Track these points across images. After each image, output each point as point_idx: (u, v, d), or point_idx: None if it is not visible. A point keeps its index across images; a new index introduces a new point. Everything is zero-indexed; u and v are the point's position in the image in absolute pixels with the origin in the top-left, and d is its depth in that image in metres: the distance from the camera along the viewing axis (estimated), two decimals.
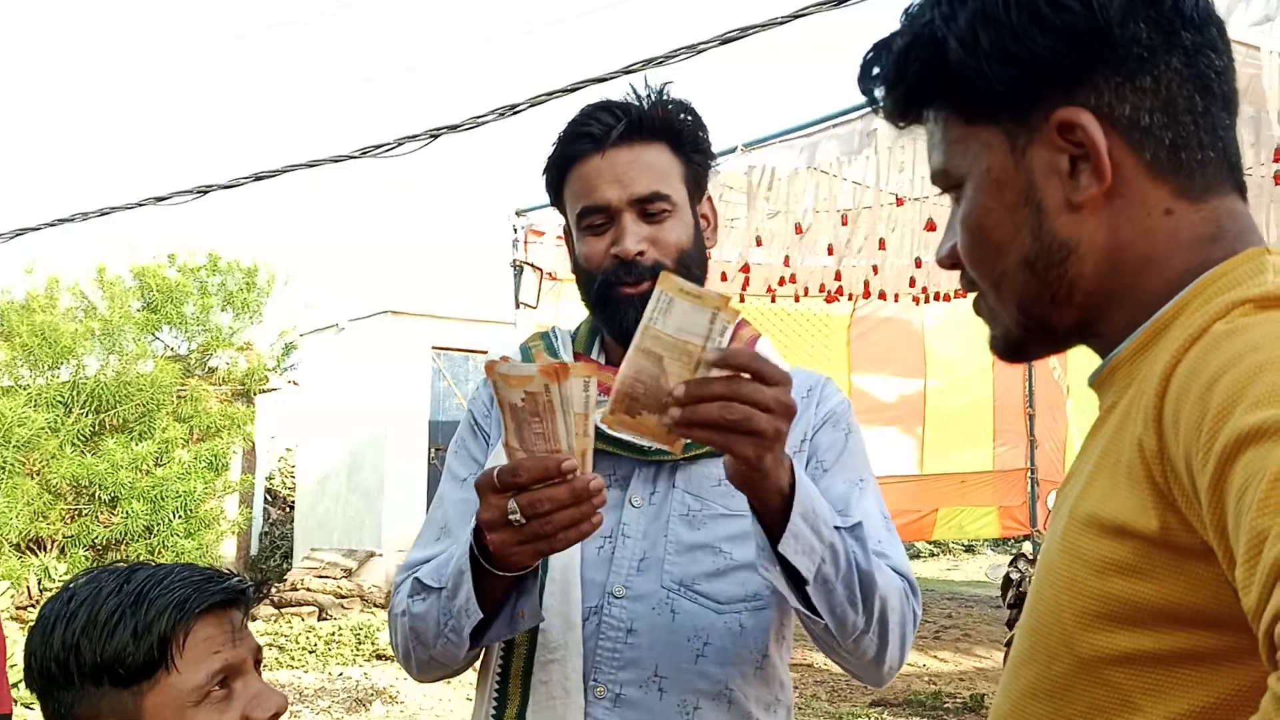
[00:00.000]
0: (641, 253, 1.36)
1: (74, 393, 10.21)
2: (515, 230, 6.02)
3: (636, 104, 1.39)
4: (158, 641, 1.08)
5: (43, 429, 9.73)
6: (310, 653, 8.78)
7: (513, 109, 4.92)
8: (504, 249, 6.11)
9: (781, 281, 6.47)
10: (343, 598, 10.86)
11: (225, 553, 12.11)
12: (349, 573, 11.29)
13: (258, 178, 5.97)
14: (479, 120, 5.04)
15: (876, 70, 0.85)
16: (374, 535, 11.86)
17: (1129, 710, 0.70)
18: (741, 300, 6.51)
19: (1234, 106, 0.80)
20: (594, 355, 1.49)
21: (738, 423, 1.08)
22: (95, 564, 9.19)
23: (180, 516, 10.26)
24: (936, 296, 6.74)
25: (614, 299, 1.38)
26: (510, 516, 1.11)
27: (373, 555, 11.62)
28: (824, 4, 4.05)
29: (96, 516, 10.14)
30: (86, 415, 10.23)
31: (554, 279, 6.01)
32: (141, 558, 8.98)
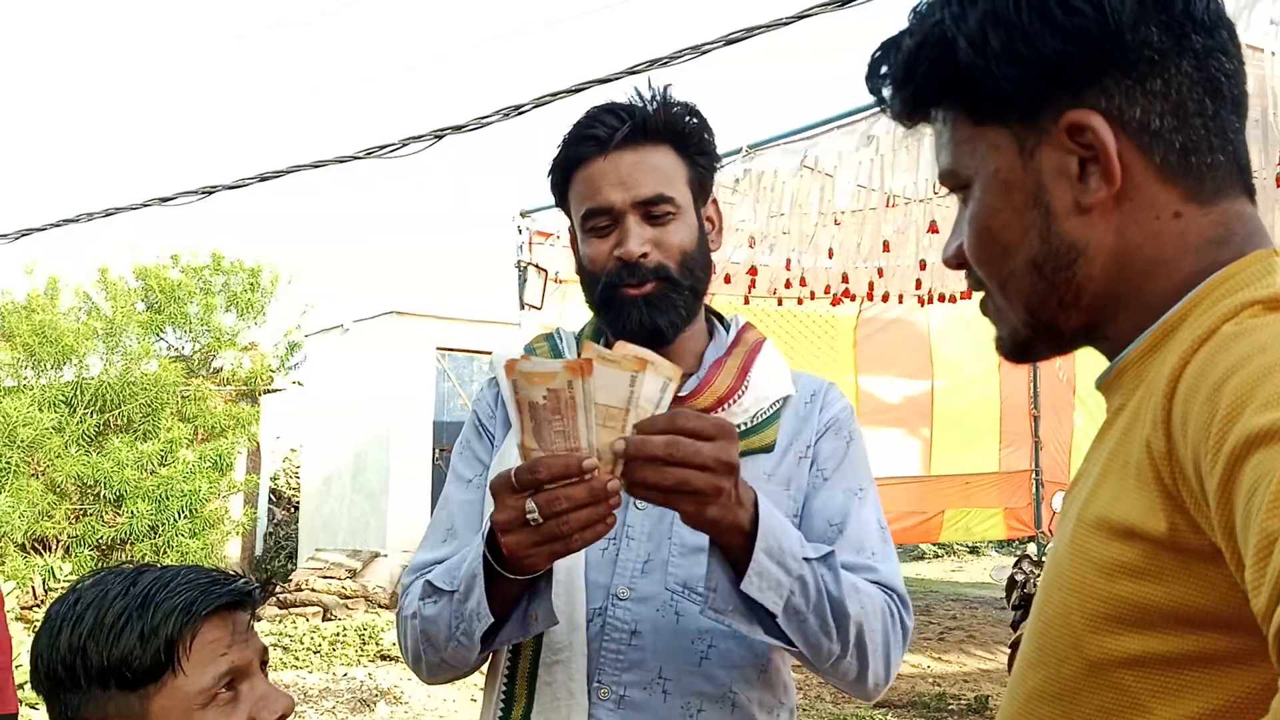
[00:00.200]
0: (645, 255, 1.36)
1: (78, 392, 10.23)
2: (520, 231, 6.02)
3: (641, 106, 1.39)
4: (164, 644, 1.08)
5: (47, 429, 9.75)
6: (315, 653, 8.79)
7: (517, 109, 4.93)
8: (509, 250, 6.11)
9: (789, 284, 6.47)
10: (347, 598, 10.86)
11: (230, 553, 12.14)
12: (353, 573, 11.30)
13: (262, 178, 5.98)
14: (483, 121, 5.05)
15: (885, 69, 0.85)
16: (379, 536, 11.87)
17: (1138, 713, 0.70)
18: (746, 302, 6.51)
19: (1244, 110, 0.80)
20: None
21: (673, 486, 1.10)
22: (100, 564, 9.21)
23: (185, 516, 10.28)
24: (942, 298, 6.73)
25: (618, 301, 1.38)
26: (528, 516, 1.11)
27: (377, 556, 11.63)
28: (829, 5, 4.05)
29: (101, 516, 10.16)
30: (91, 415, 10.26)
31: (559, 281, 6.01)
32: (146, 558, 9.02)
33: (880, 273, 6.25)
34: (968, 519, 8.93)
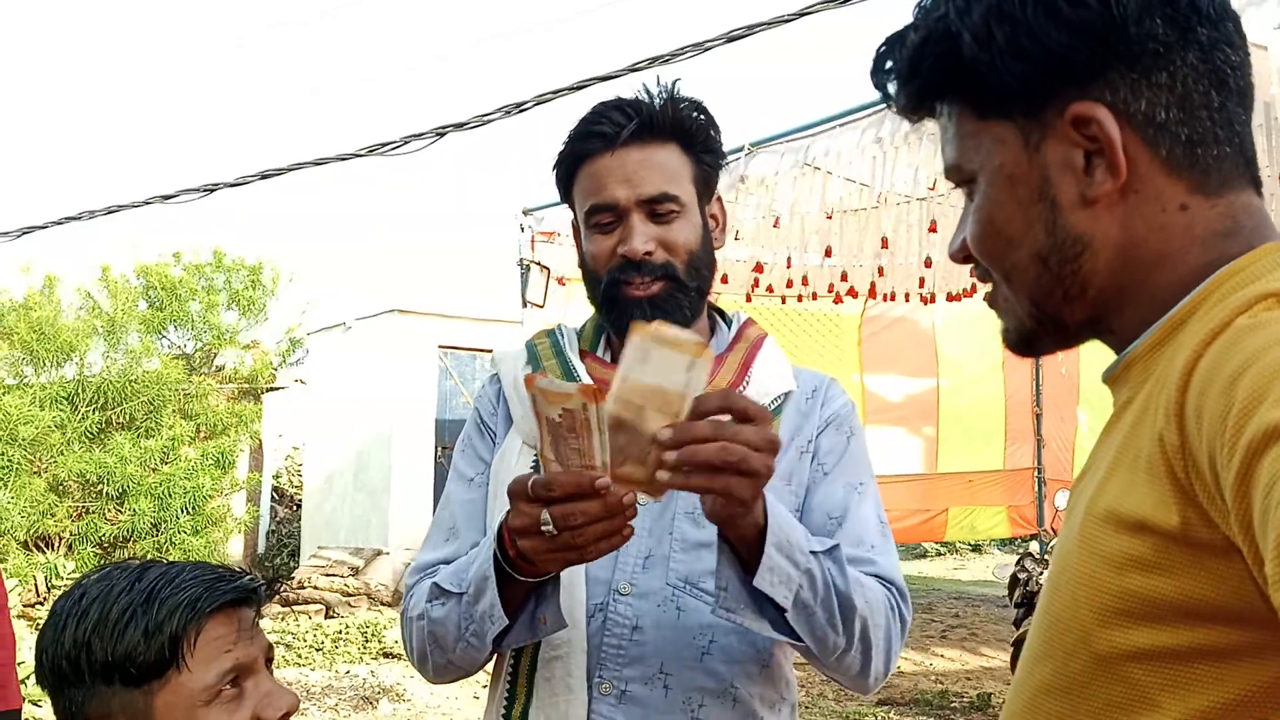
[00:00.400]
0: (650, 253, 1.36)
1: (80, 390, 10.24)
2: (522, 229, 6.02)
3: (648, 103, 1.39)
4: (169, 641, 1.08)
5: (49, 426, 9.76)
6: (317, 651, 8.80)
7: (519, 107, 4.92)
8: (511, 248, 6.11)
9: (790, 284, 6.46)
10: (349, 596, 10.87)
11: (232, 551, 12.14)
12: (356, 571, 11.31)
13: (264, 176, 5.97)
14: (485, 119, 5.04)
15: (889, 64, 0.85)
16: (380, 534, 11.88)
17: (1147, 706, 0.69)
18: (748, 300, 6.51)
19: (1250, 102, 0.80)
20: (599, 353, 1.49)
21: (735, 464, 1.08)
22: (103, 561, 9.20)
23: (187, 514, 10.29)
24: (950, 297, 6.72)
25: (620, 299, 1.38)
26: (542, 528, 1.11)
27: (379, 554, 11.63)
28: (830, 2, 4.04)
29: (104, 514, 10.17)
30: (93, 412, 10.26)
31: (563, 283, 6.00)
32: (149, 555, 9.02)
33: (880, 271, 6.24)
34: (973, 517, 8.93)
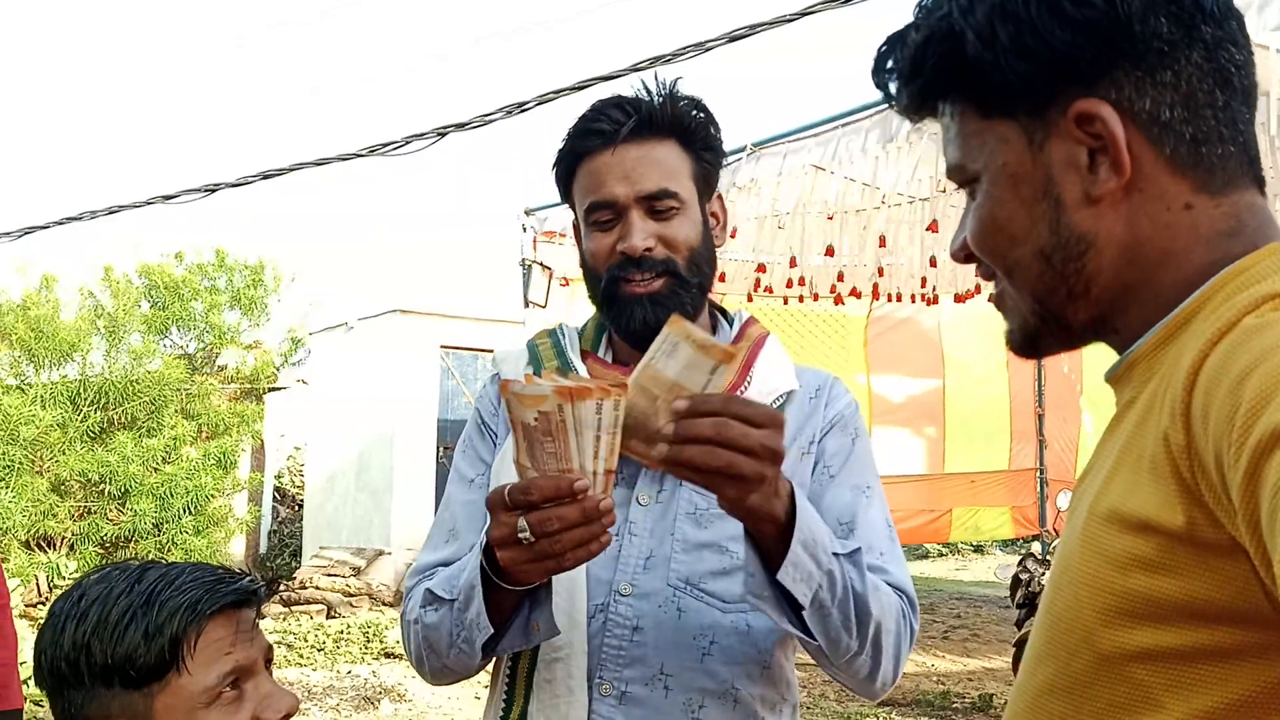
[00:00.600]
0: (650, 249, 1.36)
1: (82, 390, 10.24)
2: (525, 229, 6.02)
3: (648, 100, 1.38)
4: (169, 643, 1.08)
5: (51, 426, 9.76)
6: (319, 651, 8.80)
7: (520, 107, 4.92)
8: (513, 248, 6.11)
9: (790, 284, 6.46)
10: (351, 596, 10.87)
11: (234, 551, 12.14)
12: (357, 571, 11.31)
13: (265, 176, 5.97)
14: (487, 118, 5.04)
15: (891, 63, 0.85)
16: (382, 534, 11.88)
17: (1151, 707, 0.69)
18: (750, 300, 6.51)
19: (1254, 101, 0.79)
20: (601, 353, 1.48)
21: (720, 468, 1.08)
22: (105, 561, 9.20)
23: (189, 514, 10.29)
24: (955, 298, 6.72)
25: (621, 296, 1.38)
26: (519, 535, 1.10)
27: (381, 554, 11.64)
28: (832, 1, 4.04)
29: (105, 514, 10.17)
30: (95, 412, 10.27)
31: (565, 284, 6.00)
32: (151, 555, 9.03)
33: (881, 271, 6.24)
34: (977, 518, 8.93)
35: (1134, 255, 0.77)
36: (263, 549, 13.70)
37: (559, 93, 4.72)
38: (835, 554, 1.23)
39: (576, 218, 1.46)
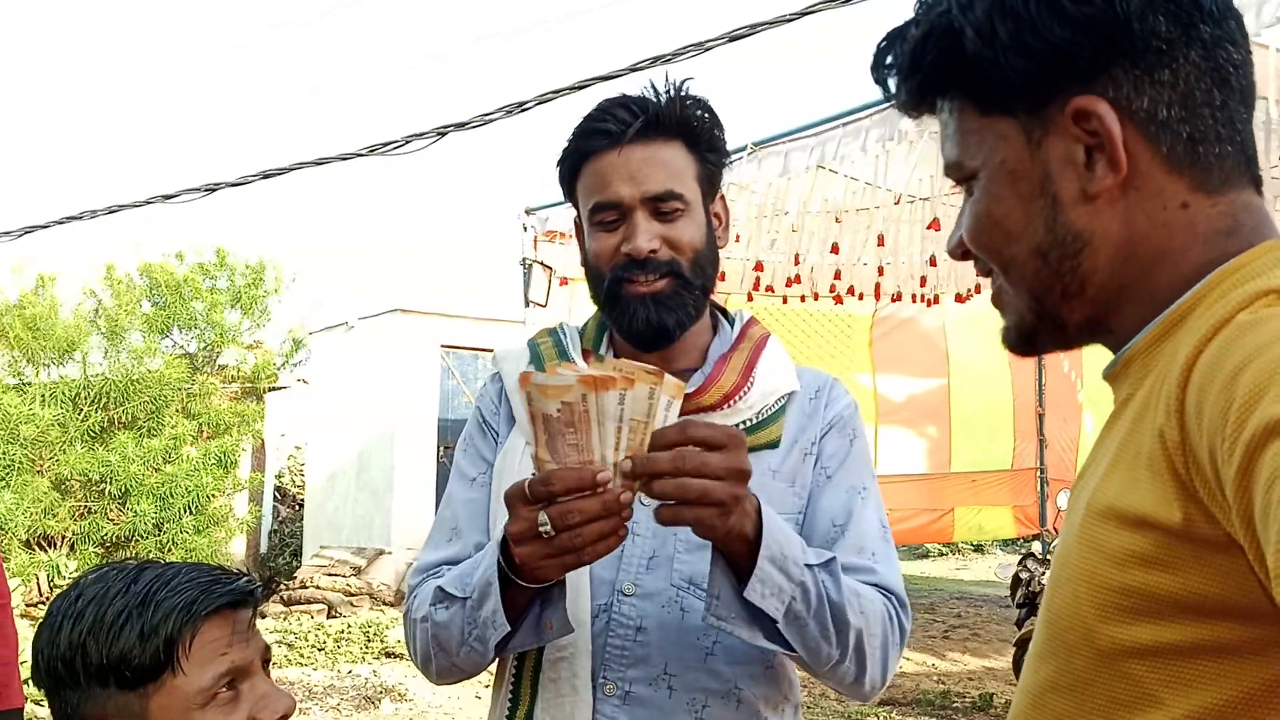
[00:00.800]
0: (654, 251, 1.35)
1: (83, 389, 10.24)
2: (525, 229, 6.01)
3: (654, 100, 1.38)
4: (164, 644, 1.07)
5: (51, 425, 9.77)
6: (319, 650, 8.80)
7: (521, 107, 4.91)
8: (513, 247, 6.11)
9: (789, 283, 6.46)
10: (352, 595, 10.88)
11: (235, 550, 12.15)
12: (358, 570, 11.32)
13: (265, 176, 5.97)
14: (487, 118, 5.04)
15: (891, 60, 0.85)
16: (383, 533, 11.89)
17: (1150, 703, 0.69)
18: (750, 300, 6.50)
19: (1251, 100, 0.79)
20: (602, 352, 1.48)
21: (697, 498, 1.09)
22: (105, 560, 9.21)
23: (190, 513, 10.29)
24: (959, 298, 6.71)
25: (624, 296, 1.37)
26: (540, 529, 1.10)
27: (382, 553, 11.64)
28: (832, 1, 4.04)
29: (106, 513, 10.17)
30: (95, 412, 10.27)
31: (565, 283, 6.00)
32: (151, 555, 9.03)
33: (881, 271, 6.23)
34: (979, 517, 8.93)
35: (1130, 253, 0.77)
36: (263, 548, 13.70)
37: (559, 93, 4.72)
38: (809, 565, 1.22)
39: (579, 216, 1.45)
